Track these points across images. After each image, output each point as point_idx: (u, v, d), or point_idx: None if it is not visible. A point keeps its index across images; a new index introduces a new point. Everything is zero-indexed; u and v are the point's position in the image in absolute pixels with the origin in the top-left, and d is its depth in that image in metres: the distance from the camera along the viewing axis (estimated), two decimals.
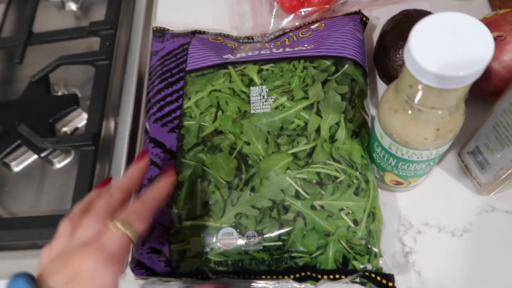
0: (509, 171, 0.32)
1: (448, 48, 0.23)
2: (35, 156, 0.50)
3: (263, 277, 0.34)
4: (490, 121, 0.32)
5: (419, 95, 0.26)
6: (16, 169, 0.50)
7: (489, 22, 0.37)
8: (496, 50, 0.36)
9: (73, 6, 0.60)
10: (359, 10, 0.45)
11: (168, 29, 0.49)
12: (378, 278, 0.32)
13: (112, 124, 0.49)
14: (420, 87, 0.25)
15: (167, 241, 0.35)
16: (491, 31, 0.35)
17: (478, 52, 0.23)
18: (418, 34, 0.24)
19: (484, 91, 0.38)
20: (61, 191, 0.48)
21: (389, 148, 0.32)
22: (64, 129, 0.51)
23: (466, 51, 0.23)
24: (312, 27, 0.44)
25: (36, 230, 0.43)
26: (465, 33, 0.23)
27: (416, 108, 0.27)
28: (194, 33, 0.47)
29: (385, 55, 0.40)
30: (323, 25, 0.44)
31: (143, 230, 0.28)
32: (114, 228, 0.26)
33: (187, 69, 0.42)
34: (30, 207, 0.48)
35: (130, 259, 0.37)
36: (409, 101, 0.27)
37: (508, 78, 0.36)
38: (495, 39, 0.36)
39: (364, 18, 0.44)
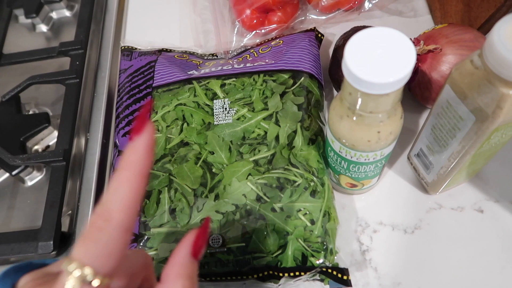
0: (448, 169, 0.36)
1: (378, 58, 0.26)
2: (7, 175, 0.51)
3: (229, 278, 0.36)
4: (429, 124, 0.35)
5: (358, 102, 0.29)
6: None
7: (428, 36, 0.41)
8: (434, 61, 0.40)
9: (43, 28, 0.62)
10: (314, 28, 0.48)
11: (136, 48, 0.51)
12: (334, 272, 0.35)
13: (82, 140, 0.50)
14: (358, 94, 0.28)
15: (136, 248, 0.37)
16: (429, 44, 0.39)
17: (403, 61, 0.26)
18: (352, 47, 0.27)
19: (428, 99, 0.42)
20: (32, 208, 0.49)
21: (339, 151, 0.35)
22: (36, 147, 0.52)
23: (394, 60, 0.26)
24: (271, 43, 0.47)
25: (7, 245, 0.43)
26: (392, 45, 0.27)
27: (357, 113, 0.30)
28: (160, 51, 0.50)
29: (338, 67, 0.44)
30: (281, 41, 0.47)
31: (115, 265, 0.18)
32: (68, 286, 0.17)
33: (154, 85, 0.45)
34: (1, 225, 0.48)
35: None
36: (351, 108, 0.30)
37: None
38: (432, 51, 0.39)
39: (320, 35, 0.48)
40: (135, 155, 0.18)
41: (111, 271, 0.18)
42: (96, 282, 0.17)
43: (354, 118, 0.31)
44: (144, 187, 0.19)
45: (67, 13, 0.63)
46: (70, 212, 0.46)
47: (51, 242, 0.42)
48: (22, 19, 0.63)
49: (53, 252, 0.42)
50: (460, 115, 0.30)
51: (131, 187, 0.18)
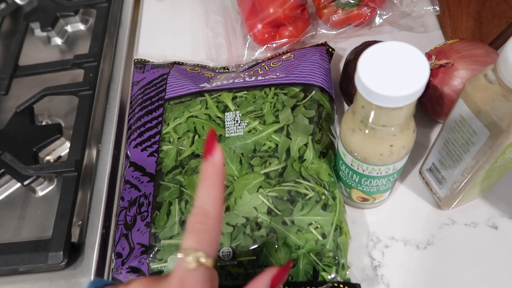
0: (461, 184, 0.35)
1: (391, 72, 0.26)
2: (18, 185, 0.51)
3: None
4: (441, 138, 0.35)
5: (371, 115, 0.29)
6: None
7: (439, 51, 0.41)
8: (446, 76, 0.40)
9: (58, 41, 0.63)
10: (325, 42, 0.49)
11: (148, 61, 0.52)
12: None
13: (94, 152, 0.50)
14: (371, 107, 0.28)
15: (146, 260, 0.37)
16: (441, 59, 0.40)
17: (417, 74, 0.26)
18: (366, 61, 0.27)
19: (439, 113, 0.42)
20: (43, 218, 0.49)
21: (351, 165, 0.35)
22: (48, 157, 0.53)
23: (407, 74, 0.26)
24: (282, 57, 0.48)
25: (18, 255, 0.43)
26: (405, 59, 0.27)
27: (370, 126, 0.30)
28: (173, 64, 0.50)
29: (348, 81, 0.44)
30: (293, 55, 0.47)
31: (216, 250, 0.24)
32: (190, 266, 0.22)
33: (166, 97, 0.45)
34: (12, 234, 0.48)
35: (110, 278, 0.38)
36: (364, 121, 0.30)
37: None
38: (444, 66, 0.39)
39: (330, 49, 0.48)
40: (213, 168, 0.24)
41: (215, 253, 0.23)
42: (208, 262, 0.22)
43: (367, 131, 0.31)
44: (223, 189, 0.24)
45: (81, 26, 0.65)
46: (80, 222, 0.46)
47: (61, 253, 0.42)
48: (38, 32, 0.64)
49: (62, 263, 0.42)
50: (473, 129, 0.30)
51: (216, 189, 0.23)
